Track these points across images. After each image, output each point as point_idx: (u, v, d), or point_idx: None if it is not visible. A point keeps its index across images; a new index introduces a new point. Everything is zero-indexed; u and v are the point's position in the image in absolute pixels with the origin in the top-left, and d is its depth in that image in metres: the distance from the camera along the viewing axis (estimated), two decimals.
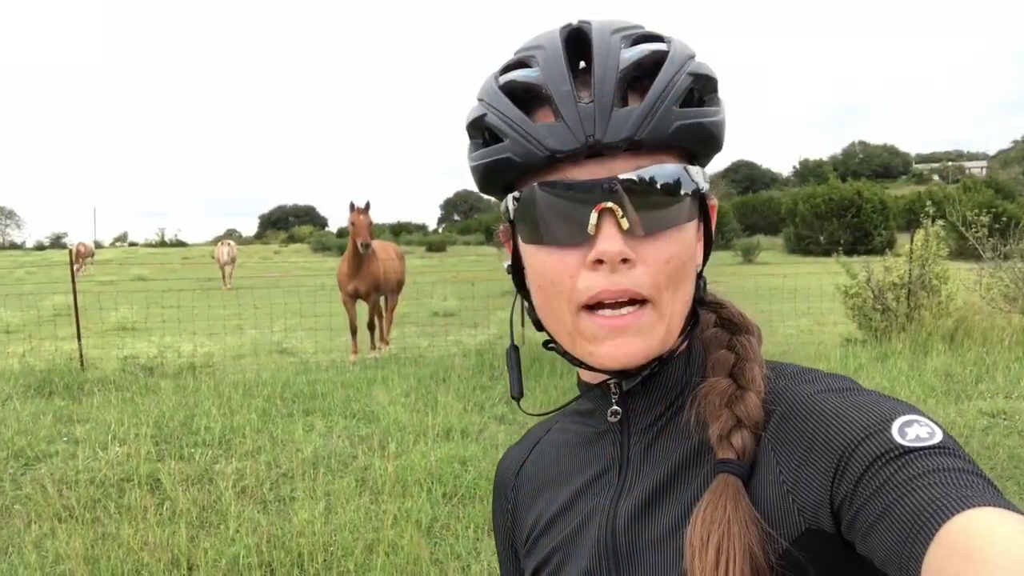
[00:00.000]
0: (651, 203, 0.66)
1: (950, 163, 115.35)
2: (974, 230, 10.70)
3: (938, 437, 0.57)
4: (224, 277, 21.97)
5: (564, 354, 0.75)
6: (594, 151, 0.65)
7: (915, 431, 0.58)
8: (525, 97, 0.70)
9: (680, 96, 0.67)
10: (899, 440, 0.57)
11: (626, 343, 0.67)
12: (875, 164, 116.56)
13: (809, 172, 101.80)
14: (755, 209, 57.07)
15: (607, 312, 0.66)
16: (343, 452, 5.38)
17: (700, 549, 0.61)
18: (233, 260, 22.57)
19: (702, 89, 0.70)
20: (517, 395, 0.82)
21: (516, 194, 0.70)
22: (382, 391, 7.06)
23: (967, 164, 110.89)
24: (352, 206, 9.16)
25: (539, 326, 0.76)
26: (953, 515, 0.50)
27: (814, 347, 8.96)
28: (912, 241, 9.57)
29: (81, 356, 8.60)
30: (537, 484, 0.85)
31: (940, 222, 9.70)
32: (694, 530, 0.63)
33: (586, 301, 0.67)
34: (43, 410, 6.57)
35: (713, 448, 0.67)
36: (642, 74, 0.68)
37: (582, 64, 0.70)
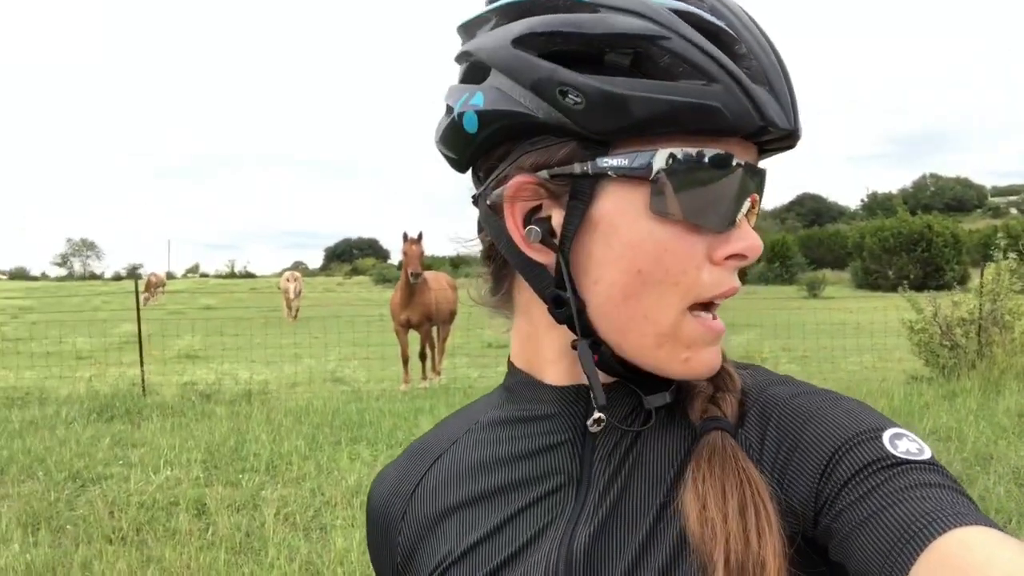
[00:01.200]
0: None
1: None
2: None
3: (927, 454, 0.55)
4: (290, 311, 21.68)
5: (607, 356, 0.61)
6: (791, 136, 0.59)
7: (905, 444, 0.56)
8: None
9: None
10: (890, 450, 0.55)
11: (718, 352, 0.61)
12: (947, 197, 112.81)
13: (877, 205, 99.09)
14: (821, 243, 55.80)
15: (709, 315, 0.60)
16: None
17: (718, 498, 0.55)
18: (299, 294, 22.08)
19: None
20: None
21: (677, 152, 0.56)
22: (428, 421, 7.06)
23: None
24: (405, 236, 9.29)
25: (573, 323, 0.60)
26: (949, 529, 0.48)
27: (877, 384, 8.62)
28: (982, 275, 9.17)
29: (143, 382, 8.87)
30: (445, 507, 0.68)
31: (1012, 255, 9.27)
32: (695, 486, 0.56)
33: (707, 298, 0.58)
34: (103, 433, 6.77)
35: (695, 418, 0.61)
36: None
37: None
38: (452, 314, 10.67)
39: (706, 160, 0.56)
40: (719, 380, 0.63)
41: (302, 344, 13.42)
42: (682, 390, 0.64)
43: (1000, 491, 4.76)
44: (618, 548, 0.59)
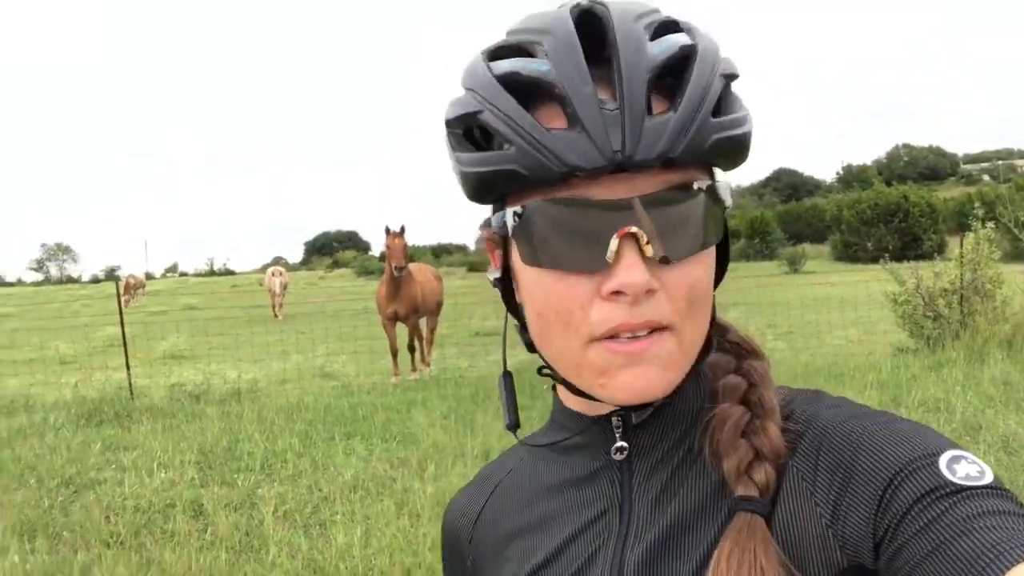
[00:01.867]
0: (679, 225, 0.57)
1: (1000, 162, 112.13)
2: None
3: (989, 477, 0.54)
4: (275, 307, 20.71)
5: (562, 382, 0.66)
6: (620, 168, 0.55)
7: (964, 468, 0.54)
8: (528, 93, 0.59)
9: (714, 103, 0.58)
10: (948, 476, 0.53)
11: (645, 372, 0.58)
12: (921, 166, 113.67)
13: (853, 177, 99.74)
14: (799, 217, 56.17)
15: (621, 339, 0.58)
16: (382, 475, 5.37)
17: None
18: (285, 288, 21.06)
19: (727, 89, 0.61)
20: (512, 426, 0.73)
21: (518, 209, 0.59)
22: (421, 413, 7.06)
23: (1019, 162, 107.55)
24: (387, 230, 9.25)
25: (531, 348, 0.67)
26: (1020, 562, 0.47)
27: (864, 357, 8.71)
28: (962, 245, 9.28)
29: (130, 385, 8.79)
30: (506, 533, 0.73)
31: (991, 224, 9.38)
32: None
33: (601, 335, 0.58)
34: (93, 438, 6.70)
35: (730, 484, 0.61)
36: (666, 73, 0.58)
37: (597, 50, 0.59)
38: (439, 305, 10.65)
39: (546, 210, 0.58)
40: (757, 439, 0.61)
41: (288, 340, 13.35)
42: (716, 417, 0.64)
43: (991, 460, 4.84)
44: (667, 568, 0.62)
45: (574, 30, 0.59)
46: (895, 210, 35.52)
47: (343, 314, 15.35)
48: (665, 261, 0.57)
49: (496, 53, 0.62)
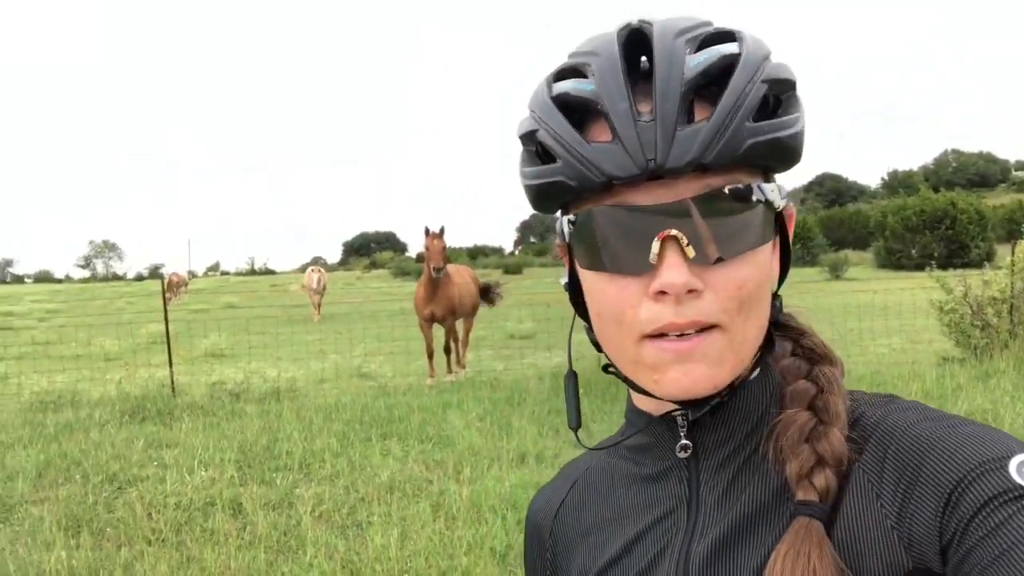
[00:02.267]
0: (721, 227, 0.60)
1: None
2: None
3: None
4: (314, 306, 20.27)
5: (625, 379, 0.69)
6: (655, 175, 0.59)
7: None
8: (580, 110, 0.64)
9: (754, 108, 0.60)
10: (1018, 480, 0.53)
11: (693, 369, 0.61)
12: (970, 173, 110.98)
13: (899, 183, 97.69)
14: (842, 223, 55.28)
15: (671, 337, 0.61)
16: (418, 477, 5.39)
17: None
18: (324, 288, 20.57)
19: (778, 93, 0.63)
20: (575, 426, 0.75)
21: (572, 217, 0.65)
22: (457, 415, 7.08)
23: None
24: (427, 231, 9.29)
25: (599, 347, 0.71)
26: None
27: (908, 366, 8.51)
28: (1013, 252, 9.02)
29: (172, 383, 8.95)
30: (581, 528, 0.78)
31: None
32: None
33: (649, 332, 0.61)
34: (136, 435, 6.85)
35: (791, 487, 0.62)
36: (710, 82, 0.61)
37: (644, 63, 0.64)
38: (475, 307, 10.67)
39: (594, 217, 0.63)
40: (820, 444, 0.62)
41: (327, 340, 13.50)
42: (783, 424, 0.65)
43: None
44: (732, 573, 0.64)
45: (617, 51, 0.64)
46: (942, 217, 34.72)
47: (380, 315, 15.49)
48: (706, 262, 0.60)
49: (558, 75, 0.68)
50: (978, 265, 11.74)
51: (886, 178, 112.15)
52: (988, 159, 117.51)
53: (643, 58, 0.64)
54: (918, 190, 40.50)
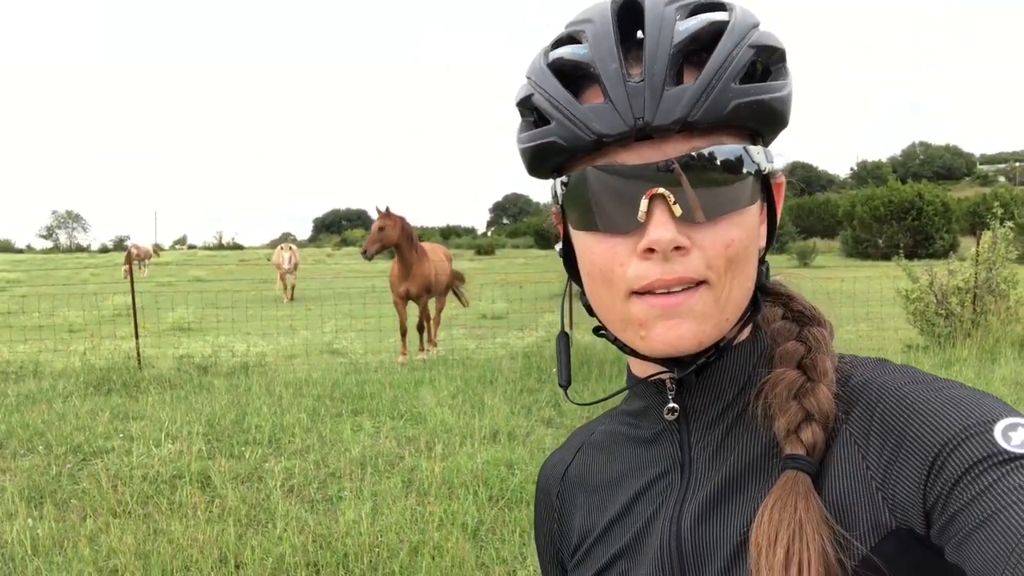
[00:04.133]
0: (707, 186, 0.61)
1: (1017, 163, 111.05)
2: None
3: None
4: (285, 287, 18.75)
5: (615, 341, 0.71)
6: (644, 134, 0.60)
7: (1020, 436, 0.53)
8: (574, 75, 0.66)
9: (740, 71, 0.61)
10: (1003, 444, 0.53)
11: (679, 324, 0.62)
12: (937, 165, 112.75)
13: (867, 174, 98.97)
14: (811, 212, 55.81)
15: (658, 293, 0.62)
16: (390, 452, 5.37)
17: (767, 548, 0.58)
18: (295, 267, 19.11)
19: (767, 61, 0.64)
20: (565, 383, 0.78)
21: (565, 178, 0.66)
22: (429, 392, 7.06)
23: None
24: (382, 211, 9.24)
25: (590, 311, 0.72)
26: None
27: (873, 353, 8.63)
28: (978, 244, 9.19)
29: (139, 355, 8.81)
30: (585, 490, 0.80)
31: (1009, 224, 9.29)
32: (759, 528, 0.59)
33: (637, 289, 0.63)
34: (101, 407, 6.73)
35: (780, 443, 0.63)
36: (700, 47, 0.63)
37: (640, 35, 0.65)
38: (449, 286, 10.63)
39: (585, 177, 0.64)
40: (808, 400, 0.63)
41: (297, 316, 13.39)
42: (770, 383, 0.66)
43: None
44: (720, 531, 0.65)
45: (610, 17, 0.66)
46: (909, 208, 35.26)
47: (351, 292, 15.36)
48: (693, 219, 0.61)
49: (555, 43, 0.69)
50: (943, 256, 11.97)
51: (855, 168, 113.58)
52: (954, 152, 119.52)
53: (639, 32, 0.65)
54: (886, 181, 41.06)
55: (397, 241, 9.19)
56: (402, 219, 9.30)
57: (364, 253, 9.22)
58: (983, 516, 0.50)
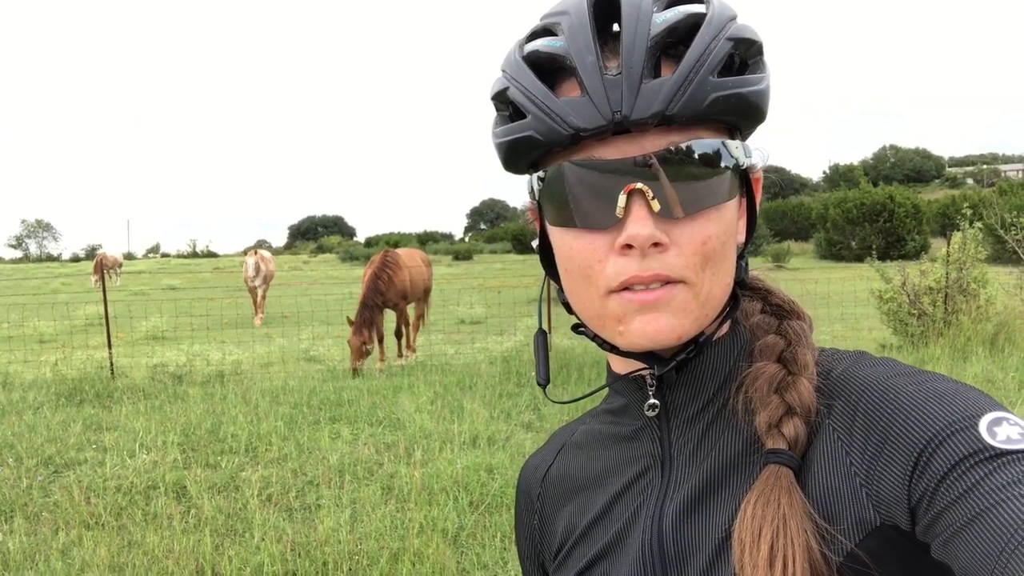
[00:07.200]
0: (686, 181, 0.60)
1: (985, 166, 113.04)
2: (1013, 232, 10.41)
3: None
4: (255, 302, 14.94)
5: (594, 338, 0.70)
6: (622, 128, 0.59)
7: (1005, 431, 0.52)
8: (550, 68, 0.64)
9: (717, 64, 0.61)
10: (988, 440, 0.52)
11: (658, 318, 0.61)
12: (907, 168, 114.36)
13: (840, 177, 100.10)
14: (785, 215, 56.34)
15: (636, 289, 0.62)
16: (369, 460, 5.33)
17: (751, 544, 0.57)
18: (268, 278, 15.27)
19: (744, 54, 0.64)
20: (543, 381, 0.76)
21: (541, 173, 0.65)
22: (408, 398, 7.02)
23: (1003, 167, 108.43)
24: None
25: (569, 309, 0.71)
26: None
27: None
28: (949, 244, 9.33)
29: (111, 365, 8.67)
30: (566, 490, 0.79)
31: (978, 224, 9.45)
32: (743, 524, 0.58)
33: (615, 287, 0.62)
34: (73, 418, 6.61)
35: (761, 438, 0.63)
36: (677, 40, 0.62)
37: (616, 28, 0.64)
38: (427, 291, 10.60)
39: (562, 172, 0.63)
40: (789, 394, 0.63)
41: (273, 323, 13.25)
42: (751, 377, 0.66)
43: None
44: (702, 528, 0.64)
45: (586, 9, 0.64)
46: (880, 210, 35.69)
47: (328, 298, 15.24)
48: (670, 215, 0.60)
49: (529, 35, 0.68)
50: (914, 256, 12.16)
51: (828, 171, 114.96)
52: (924, 155, 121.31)
53: (615, 25, 0.64)
54: (858, 184, 41.56)
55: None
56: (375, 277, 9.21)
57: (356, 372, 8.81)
58: (970, 515, 0.50)
